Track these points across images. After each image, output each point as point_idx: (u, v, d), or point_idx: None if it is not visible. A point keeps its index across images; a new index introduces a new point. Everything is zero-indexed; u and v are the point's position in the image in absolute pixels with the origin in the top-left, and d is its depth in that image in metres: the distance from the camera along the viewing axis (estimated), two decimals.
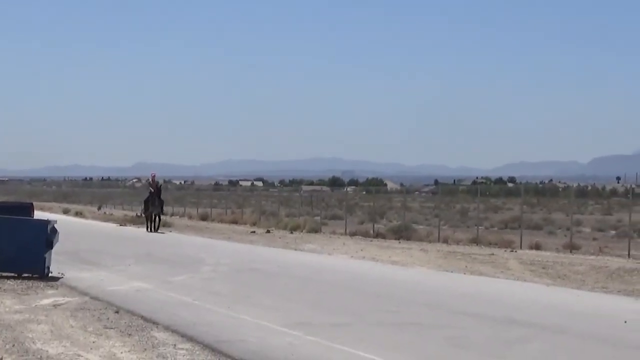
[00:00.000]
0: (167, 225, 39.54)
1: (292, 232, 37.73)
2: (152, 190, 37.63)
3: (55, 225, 18.10)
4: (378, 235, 35.36)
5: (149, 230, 37.04)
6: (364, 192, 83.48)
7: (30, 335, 11.30)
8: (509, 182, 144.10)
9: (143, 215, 39.67)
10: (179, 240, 32.22)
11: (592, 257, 25.75)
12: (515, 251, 27.87)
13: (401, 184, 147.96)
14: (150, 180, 39.35)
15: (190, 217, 50.82)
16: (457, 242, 31.66)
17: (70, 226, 33.82)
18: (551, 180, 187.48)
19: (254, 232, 37.92)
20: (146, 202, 37.85)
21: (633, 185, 61.27)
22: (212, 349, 10.75)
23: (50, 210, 57.27)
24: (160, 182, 40.25)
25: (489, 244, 30.43)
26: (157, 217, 37.35)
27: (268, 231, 38.27)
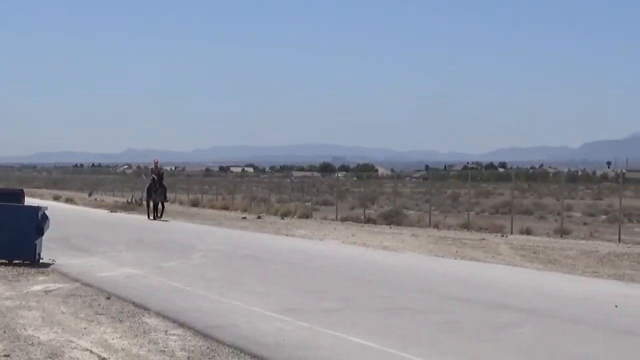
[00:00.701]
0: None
1: (283, 218, 37.70)
2: (155, 177, 36.93)
3: (46, 212, 18.05)
4: (369, 220, 35.37)
5: (151, 217, 36.06)
6: (355, 178, 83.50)
7: (22, 322, 11.28)
8: (500, 167, 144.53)
9: (144, 202, 39.05)
10: (170, 227, 32.17)
11: (583, 241, 25.81)
12: (506, 236, 27.91)
13: (392, 170, 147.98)
14: (154, 166, 38.26)
15: (181, 203, 50.70)
16: (448, 228, 31.70)
17: (61, 213, 33.75)
18: (542, 165, 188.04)
19: (245, 218, 37.87)
20: (149, 189, 37.09)
21: (623, 170, 61.32)
22: (204, 335, 10.75)
23: (40, 196, 57.12)
24: (163, 168, 39.46)
25: (480, 229, 30.46)
26: (161, 204, 36.65)
27: (259, 217, 38.23)
